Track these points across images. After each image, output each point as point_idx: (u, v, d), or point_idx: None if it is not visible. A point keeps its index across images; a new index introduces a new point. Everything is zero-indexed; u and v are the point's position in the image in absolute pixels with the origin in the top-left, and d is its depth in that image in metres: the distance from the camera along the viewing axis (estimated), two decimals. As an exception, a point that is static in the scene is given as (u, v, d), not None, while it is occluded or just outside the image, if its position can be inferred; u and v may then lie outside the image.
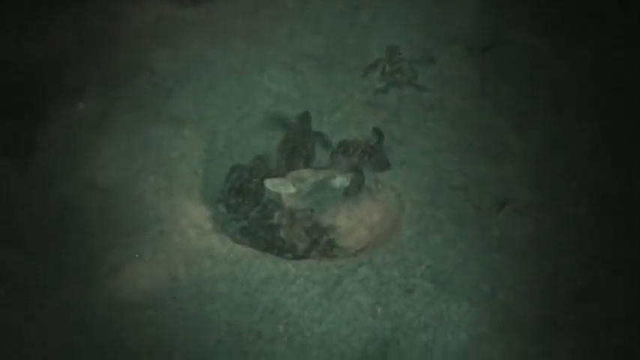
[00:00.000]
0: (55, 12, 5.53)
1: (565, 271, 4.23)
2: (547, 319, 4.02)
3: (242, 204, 4.69)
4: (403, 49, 5.31)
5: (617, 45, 5.33)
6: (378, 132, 4.86)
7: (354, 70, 5.28)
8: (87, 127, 4.81)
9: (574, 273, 4.23)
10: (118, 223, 4.35)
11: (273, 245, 4.52)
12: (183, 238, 4.30)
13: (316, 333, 3.96)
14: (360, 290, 4.11)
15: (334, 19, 5.61)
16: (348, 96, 5.13)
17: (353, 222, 4.63)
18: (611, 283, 4.18)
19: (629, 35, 5.37)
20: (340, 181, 4.72)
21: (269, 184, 4.64)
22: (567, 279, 4.20)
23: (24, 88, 4.99)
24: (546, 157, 4.75)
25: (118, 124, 4.83)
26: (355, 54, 5.40)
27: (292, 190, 4.63)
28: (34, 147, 4.70)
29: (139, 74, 5.13)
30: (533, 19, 5.52)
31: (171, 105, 4.97)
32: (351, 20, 5.59)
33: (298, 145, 4.88)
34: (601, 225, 4.44)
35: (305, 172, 4.72)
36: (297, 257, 4.42)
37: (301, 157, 4.85)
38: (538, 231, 4.40)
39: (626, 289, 4.17)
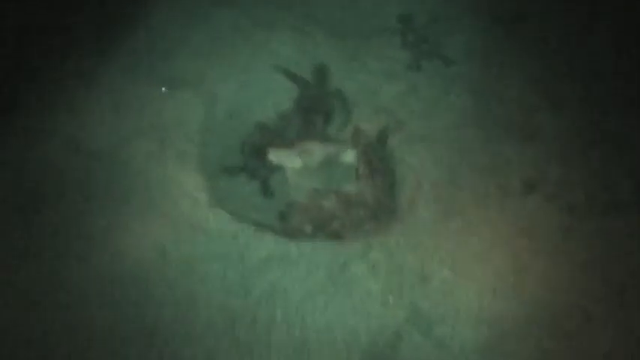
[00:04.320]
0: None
1: (601, 263, 3.77)
2: (581, 314, 3.56)
3: (262, 167, 4.27)
4: (422, 16, 4.86)
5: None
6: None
7: (369, 37, 4.81)
8: (75, 84, 4.35)
9: (611, 265, 3.78)
10: (102, 189, 3.90)
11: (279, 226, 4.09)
12: (174, 209, 3.87)
13: (318, 322, 3.52)
14: (370, 276, 3.68)
15: (349, -19, 5.16)
16: (362, 64, 4.65)
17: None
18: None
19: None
20: (352, 154, 4.27)
21: (273, 155, 4.18)
22: (603, 271, 3.74)
23: (7, 38, 4.55)
24: (581, 138, 4.27)
25: (108, 82, 4.38)
26: (371, 20, 4.93)
27: (298, 163, 4.18)
28: (14, 102, 4.24)
29: (135, 31, 4.68)
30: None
31: (169, 65, 4.51)
32: (370, -15, 5.14)
33: (316, 99, 4.46)
34: (640, 213, 3.99)
35: (314, 145, 4.26)
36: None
37: (320, 112, 4.42)
38: (571, 218, 3.94)
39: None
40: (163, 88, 4.42)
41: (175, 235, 3.76)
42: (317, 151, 4.24)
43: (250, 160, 4.28)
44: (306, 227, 4.06)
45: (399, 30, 4.82)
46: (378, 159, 4.21)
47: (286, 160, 4.18)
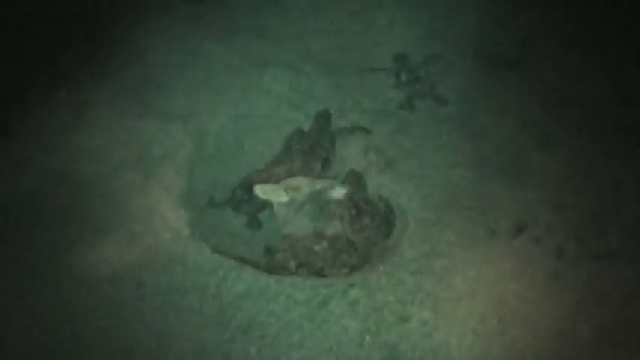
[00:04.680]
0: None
1: (589, 310, 3.64)
2: (565, 363, 3.44)
3: (246, 202, 4.25)
4: (418, 56, 4.86)
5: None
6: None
7: (364, 76, 4.82)
8: (66, 114, 4.40)
9: (600, 313, 3.65)
10: (85, 221, 3.89)
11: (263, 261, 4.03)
12: (155, 241, 3.82)
13: (293, 359, 3.43)
14: (349, 314, 3.58)
15: (348, 20, 5.20)
16: (356, 103, 4.65)
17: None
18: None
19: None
20: (339, 192, 4.22)
21: (259, 190, 4.14)
22: (591, 319, 3.61)
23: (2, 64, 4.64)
24: (573, 181, 4.20)
25: (99, 114, 4.41)
26: (367, 59, 4.94)
27: (284, 198, 4.13)
28: (5, 130, 4.28)
29: (129, 64, 4.74)
30: (565, 32, 5.01)
31: (161, 99, 4.54)
32: (366, 23, 5.17)
33: (316, 144, 4.42)
34: (632, 261, 3.85)
35: (300, 180, 4.23)
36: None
37: (319, 158, 4.39)
38: (560, 263, 3.83)
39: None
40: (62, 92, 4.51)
41: (153, 267, 3.71)
42: (304, 187, 4.20)
43: (238, 195, 4.26)
44: (290, 263, 3.99)
45: (393, 69, 4.81)
46: (365, 197, 4.16)
47: (272, 195, 4.13)
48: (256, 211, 4.30)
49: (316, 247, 4.03)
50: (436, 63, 4.86)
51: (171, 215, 3.97)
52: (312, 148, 4.39)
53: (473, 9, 5.28)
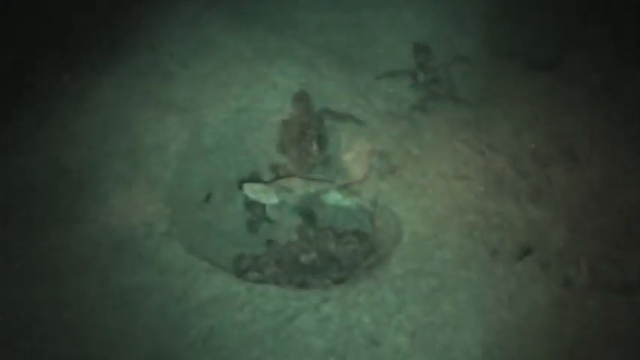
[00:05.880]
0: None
1: (596, 348, 3.23)
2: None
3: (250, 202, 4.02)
4: (440, 55, 4.48)
5: None
6: None
7: (381, 75, 4.47)
8: (67, 99, 4.28)
9: (607, 355, 3.22)
10: (63, 207, 3.76)
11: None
12: (127, 236, 3.65)
13: (246, 376, 3.19)
14: (316, 332, 3.30)
15: (374, 14, 4.83)
16: (367, 102, 4.30)
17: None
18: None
19: None
20: (334, 197, 3.93)
21: (248, 189, 3.90)
22: (597, 357, 3.19)
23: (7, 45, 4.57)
24: (597, 202, 3.73)
25: (101, 100, 4.26)
26: (387, 56, 4.59)
27: (275, 200, 3.89)
28: (6, 113, 4.21)
29: (139, 50, 4.57)
30: (610, 41, 4.51)
31: (164, 87, 4.33)
32: (393, 17, 4.81)
33: (304, 127, 4.17)
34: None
35: (294, 182, 3.96)
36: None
37: (312, 137, 4.13)
38: (566, 292, 3.41)
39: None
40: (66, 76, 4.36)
41: (121, 263, 3.54)
42: (298, 188, 3.94)
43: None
44: (266, 270, 3.73)
45: (411, 69, 4.44)
46: (359, 204, 3.86)
47: (262, 195, 3.90)
48: (260, 212, 4.06)
49: (303, 258, 3.77)
50: (461, 64, 4.45)
51: (151, 210, 3.78)
52: (301, 132, 4.11)
53: (514, 9, 4.83)
